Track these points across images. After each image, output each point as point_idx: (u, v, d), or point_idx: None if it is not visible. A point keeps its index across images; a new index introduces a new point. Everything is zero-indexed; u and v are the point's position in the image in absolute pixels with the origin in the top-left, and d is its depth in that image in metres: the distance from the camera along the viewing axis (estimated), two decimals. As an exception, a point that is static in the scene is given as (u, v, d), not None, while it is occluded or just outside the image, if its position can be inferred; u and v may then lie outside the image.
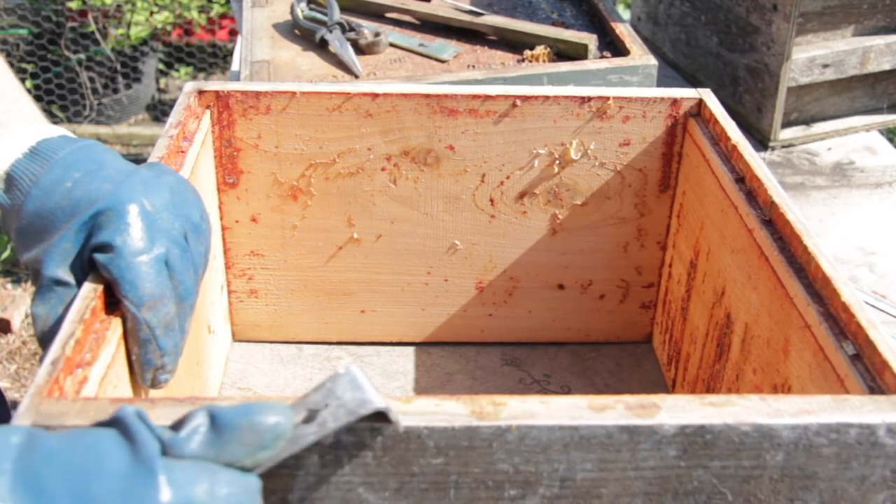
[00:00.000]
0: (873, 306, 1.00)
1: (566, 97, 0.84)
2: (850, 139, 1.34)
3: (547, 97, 0.83)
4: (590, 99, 0.84)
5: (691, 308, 0.84)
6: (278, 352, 0.92)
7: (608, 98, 0.84)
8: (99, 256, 0.58)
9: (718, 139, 0.80)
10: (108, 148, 0.64)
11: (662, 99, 0.84)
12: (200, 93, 0.82)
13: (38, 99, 3.04)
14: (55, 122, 2.01)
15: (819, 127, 1.33)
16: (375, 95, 0.83)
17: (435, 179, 0.87)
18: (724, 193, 0.76)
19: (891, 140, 1.64)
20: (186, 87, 0.82)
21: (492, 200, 0.88)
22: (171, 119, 0.77)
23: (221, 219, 0.87)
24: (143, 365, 0.60)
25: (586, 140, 0.85)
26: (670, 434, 0.48)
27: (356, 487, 0.49)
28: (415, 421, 0.48)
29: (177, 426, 0.45)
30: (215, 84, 0.83)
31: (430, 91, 0.83)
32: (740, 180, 0.75)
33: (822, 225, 1.15)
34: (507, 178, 0.87)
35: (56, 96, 3.08)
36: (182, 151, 0.75)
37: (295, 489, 0.49)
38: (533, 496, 0.50)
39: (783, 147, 1.30)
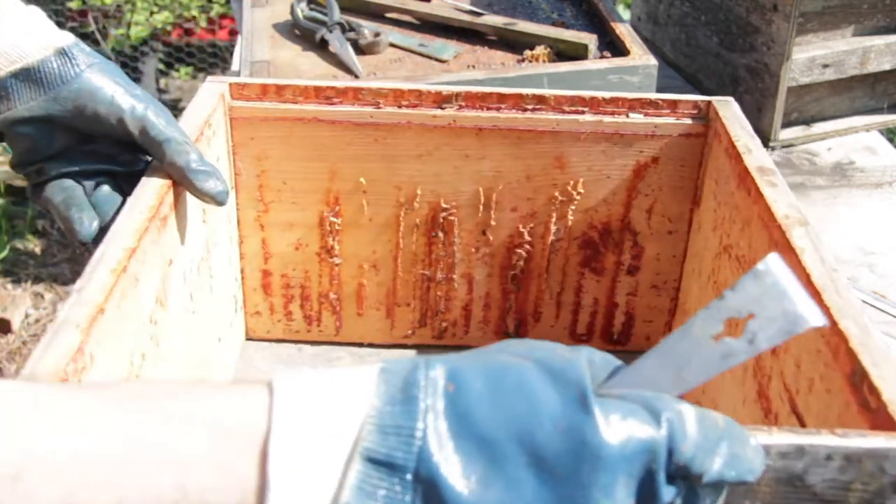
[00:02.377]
0: (873, 306, 1.00)
1: None
2: (850, 139, 1.34)
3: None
4: None
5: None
6: (278, 352, 0.92)
7: None
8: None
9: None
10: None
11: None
12: None
13: (38, 99, 3.02)
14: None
15: (819, 127, 1.33)
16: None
17: None
18: None
19: (891, 140, 1.64)
20: None
21: None
22: None
23: None
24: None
25: None
26: None
27: None
28: None
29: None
30: None
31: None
32: None
33: (822, 225, 1.15)
34: None
35: (56, 96, 3.08)
36: None
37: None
38: None
39: (783, 147, 1.30)
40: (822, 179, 1.24)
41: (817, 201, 1.19)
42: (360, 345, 0.94)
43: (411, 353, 0.93)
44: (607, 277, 0.90)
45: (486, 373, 0.41)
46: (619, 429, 0.39)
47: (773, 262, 0.40)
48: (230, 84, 0.82)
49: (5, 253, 2.36)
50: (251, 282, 0.90)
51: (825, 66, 1.26)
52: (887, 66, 1.30)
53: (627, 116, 0.82)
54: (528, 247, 0.88)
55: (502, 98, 0.82)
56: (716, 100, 0.83)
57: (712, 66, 1.38)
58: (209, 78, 0.82)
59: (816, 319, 0.40)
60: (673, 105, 0.82)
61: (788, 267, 0.41)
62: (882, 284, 1.04)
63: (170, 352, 0.68)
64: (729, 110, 0.82)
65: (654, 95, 0.83)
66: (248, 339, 0.93)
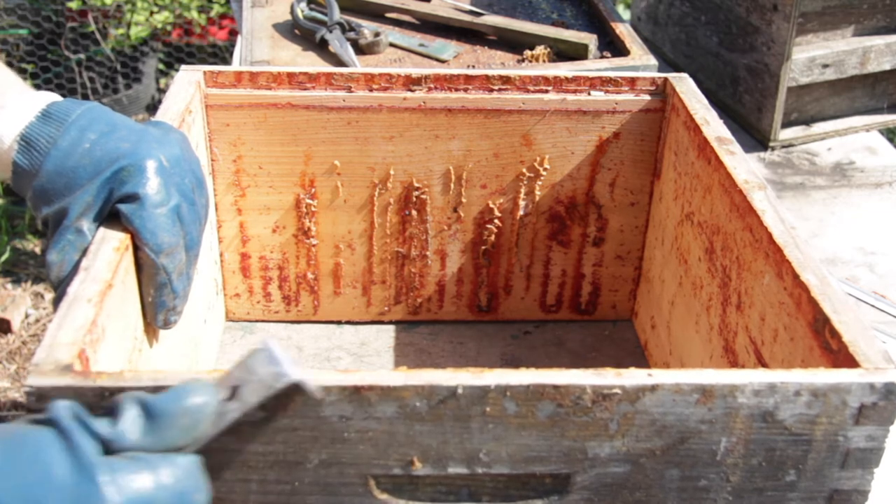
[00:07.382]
0: (873, 306, 1.00)
1: None
2: (850, 139, 1.34)
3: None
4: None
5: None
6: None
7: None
8: (123, 207, 0.62)
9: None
10: (111, 109, 0.68)
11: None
12: None
13: (38, 99, 3.02)
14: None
15: (819, 127, 1.33)
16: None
17: None
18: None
19: (891, 140, 1.64)
20: None
21: None
22: None
23: None
24: (158, 307, 0.66)
25: None
26: None
27: None
28: None
29: (109, 413, 0.46)
30: None
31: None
32: None
33: (821, 225, 1.15)
34: None
35: (56, 96, 3.07)
36: None
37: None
38: None
39: (783, 147, 1.30)
40: (822, 179, 1.24)
41: (817, 201, 1.19)
42: (339, 323, 0.95)
43: (388, 329, 0.95)
44: (574, 249, 0.93)
45: (4, 443, 0.44)
46: (124, 488, 0.44)
47: (265, 344, 0.50)
48: (205, 72, 0.83)
49: (7, 255, 2.36)
50: (230, 265, 0.91)
51: (825, 66, 1.26)
52: (887, 66, 1.30)
53: (589, 94, 0.85)
54: (497, 222, 0.91)
55: (470, 79, 0.85)
56: (671, 76, 0.86)
57: (712, 66, 1.38)
58: (183, 67, 0.83)
59: (295, 374, 0.50)
60: (632, 82, 0.86)
61: (277, 345, 0.50)
62: (882, 284, 1.04)
63: (165, 331, 0.71)
64: (685, 85, 0.85)
65: (613, 73, 0.86)
66: (229, 320, 0.95)
